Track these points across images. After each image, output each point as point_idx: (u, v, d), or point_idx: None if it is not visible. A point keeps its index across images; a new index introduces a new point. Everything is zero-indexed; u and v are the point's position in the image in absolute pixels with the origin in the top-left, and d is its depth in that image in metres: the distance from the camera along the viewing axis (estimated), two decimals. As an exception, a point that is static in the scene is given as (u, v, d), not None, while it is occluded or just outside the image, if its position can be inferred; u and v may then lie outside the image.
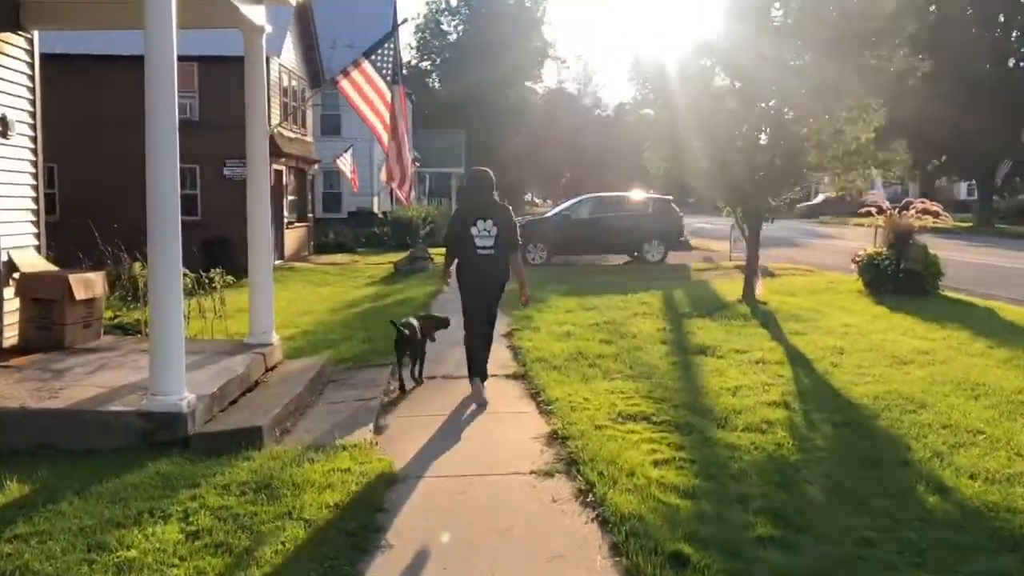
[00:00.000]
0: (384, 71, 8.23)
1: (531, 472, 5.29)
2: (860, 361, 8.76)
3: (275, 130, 21.42)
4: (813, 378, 8.09)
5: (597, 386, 7.55)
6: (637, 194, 25.61)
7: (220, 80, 20.72)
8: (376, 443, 5.91)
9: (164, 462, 5.23)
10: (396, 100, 8.33)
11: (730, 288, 15.35)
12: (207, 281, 8.94)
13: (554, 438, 6.01)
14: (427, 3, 71.46)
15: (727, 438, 6.05)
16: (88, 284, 8.01)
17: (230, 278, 9.04)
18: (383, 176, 9.32)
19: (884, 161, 12.27)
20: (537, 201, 73.48)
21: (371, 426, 6.35)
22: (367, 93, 8.19)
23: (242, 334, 8.60)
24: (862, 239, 31.63)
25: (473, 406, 7.08)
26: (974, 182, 49.01)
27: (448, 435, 6.28)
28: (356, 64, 8.21)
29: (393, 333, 7.60)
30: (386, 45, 8.28)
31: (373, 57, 8.28)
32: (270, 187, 23.42)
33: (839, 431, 6.34)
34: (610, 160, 61.77)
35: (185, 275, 9.24)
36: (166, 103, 5.70)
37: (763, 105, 12.36)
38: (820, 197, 46.96)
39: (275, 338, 8.36)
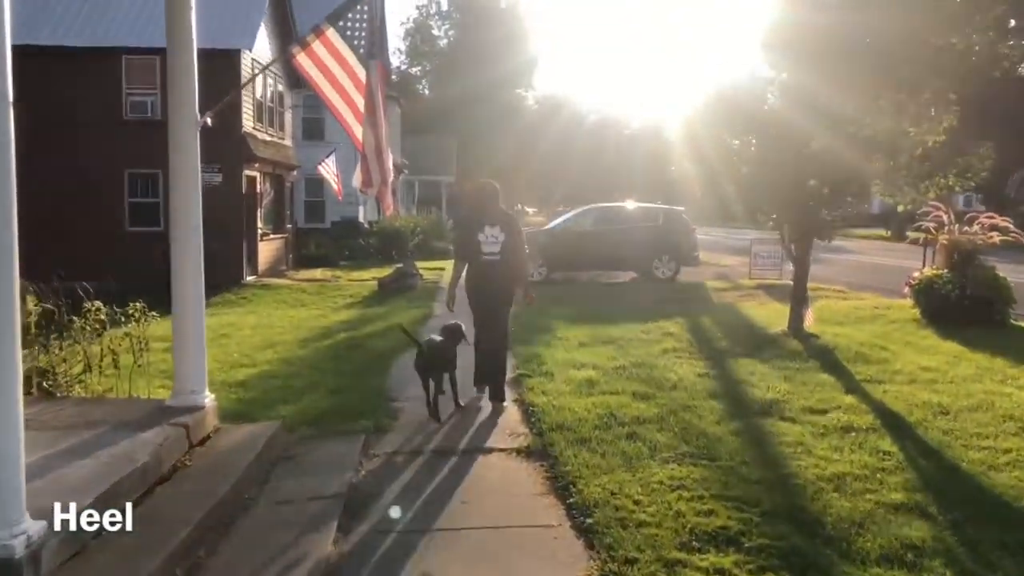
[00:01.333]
0: (357, 42, 6.12)
1: None
2: (975, 427, 6.71)
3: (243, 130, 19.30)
4: (932, 458, 6.00)
5: (647, 474, 5.44)
6: (646, 204, 23.48)
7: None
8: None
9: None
10: (373, 80, 6.19)
11: (764, 314, 13.38)
12: (122, 318, 6.74)
13: (606, 589, 3.91)
14: (417, 7, 69.67)
15: (864, 581, 3.97)
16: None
17: (153, 314, 6.84)
18: (356, 181, 7.19)
19: (964, 168, 10.18)
20: (529, 211, 71.08)
21: (326, 559, 4.23)
22: (332, 70, 6.06)
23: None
24: (872, 252, 30.01)
25: (478, 513, 5.03)
26: (972, 194, 46.95)
27: None
28: (317, 32, 6.00)
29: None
30: (359, 8, 6.15)
31: (341, 23, 6.15)
32: (241, 194, 21.26)
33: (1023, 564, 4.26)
34: (607, 167, 59.72)
35: (97, 310, 7.16)
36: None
37: (817, 102, 10.24)
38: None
39: (207, 399, 6.19)
